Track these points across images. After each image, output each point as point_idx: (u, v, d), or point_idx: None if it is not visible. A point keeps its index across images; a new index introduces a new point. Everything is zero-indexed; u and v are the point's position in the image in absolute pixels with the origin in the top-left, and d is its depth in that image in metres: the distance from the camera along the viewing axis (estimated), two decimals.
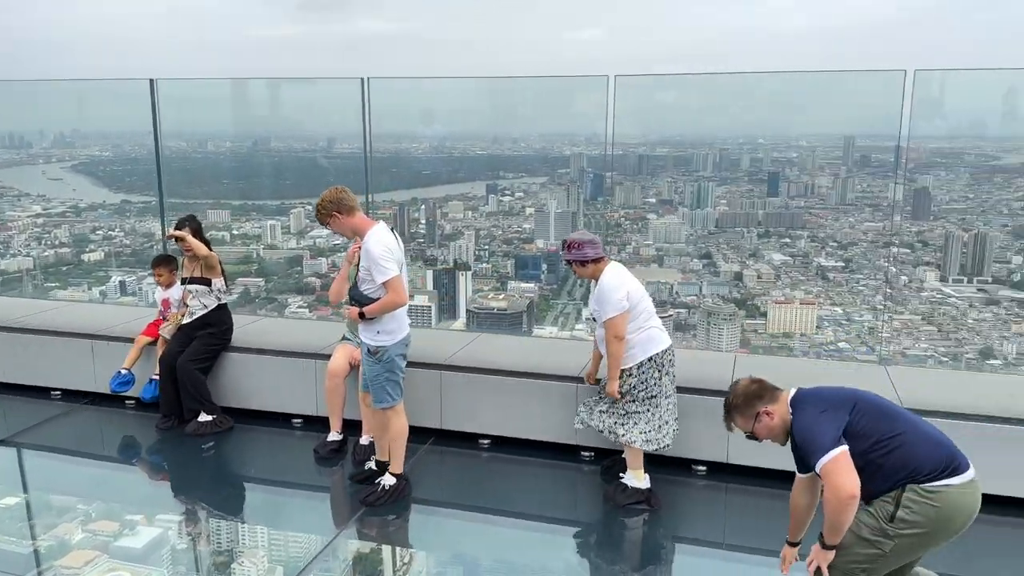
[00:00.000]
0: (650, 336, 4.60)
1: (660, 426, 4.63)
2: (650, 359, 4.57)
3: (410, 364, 5.50)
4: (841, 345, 9.62)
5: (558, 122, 8.65)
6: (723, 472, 5.06)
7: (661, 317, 10.66)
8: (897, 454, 2.99)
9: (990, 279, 9.42)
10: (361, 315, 4.41)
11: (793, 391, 3.26)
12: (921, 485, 2.96)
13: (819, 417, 3.07)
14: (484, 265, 10.47)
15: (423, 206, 10.09)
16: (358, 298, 4.43)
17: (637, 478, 4.69)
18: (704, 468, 5.11)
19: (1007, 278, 9.49)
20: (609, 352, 4.53)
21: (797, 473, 3.30)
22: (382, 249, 4.26)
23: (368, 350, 4.52)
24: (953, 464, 2.99)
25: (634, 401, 4.60)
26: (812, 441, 3.02)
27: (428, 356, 5.58)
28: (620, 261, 11.85)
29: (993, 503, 4.39)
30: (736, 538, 4.70)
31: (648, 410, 4.60)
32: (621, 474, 4.77)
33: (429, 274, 10.06)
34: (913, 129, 6.05)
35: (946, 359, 9.18)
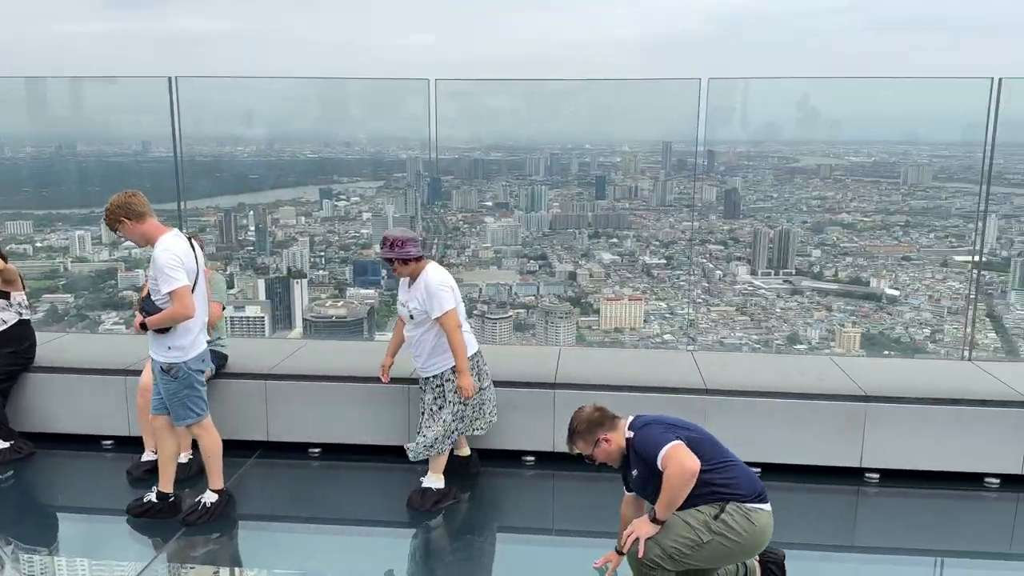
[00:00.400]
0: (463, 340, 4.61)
1: (463, 418, 4.69)
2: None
3: (232, 375, 5.32)
4: (666, 337, 10.23)
5: (390, 125, 8.62)
6: (551, 461, 5.23)
7: (502, 318, 10.87)
8: (725, 475, 3.37)
9: (794, 271, 10.38)
10: (143, 326, 4.18)
11: (631, 418, 3.56)
12: (741, 504, 3.33)
13: (661, 429, 3.42)
14: (320, 272, 10.25)
15: (251, 212, 9.72)
16: (149, 309, 4.19)
17: (438, 480, 4.71)
18: (532, 459, 5.27)
19: (808, 269, 10.48)
20: (455, 345, 4.50)
21: (625, 492, 3.66)
22: (169, 257, 4.06)
23: (161, 368, 4.28)
24: (763, 494, 3.42)
25: (442, 407, 4.62)
26: (654, 444, 3.33)
27: (251, 367, 5.38)
28: (461, 264, 11.86)
29: (777, 470, 4.88)
30: (564, 523, 4.89)
31: (456, 413, 4.64)
32: (421, 478, 4.75)
33: (261, 283, 9.70)
34: (710, 133, 6.57)
35: (758, 346, 10.00)
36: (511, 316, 10.47)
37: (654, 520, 3.35)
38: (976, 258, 6.39)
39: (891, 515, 4.86)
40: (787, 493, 4.87)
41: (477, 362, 4.73)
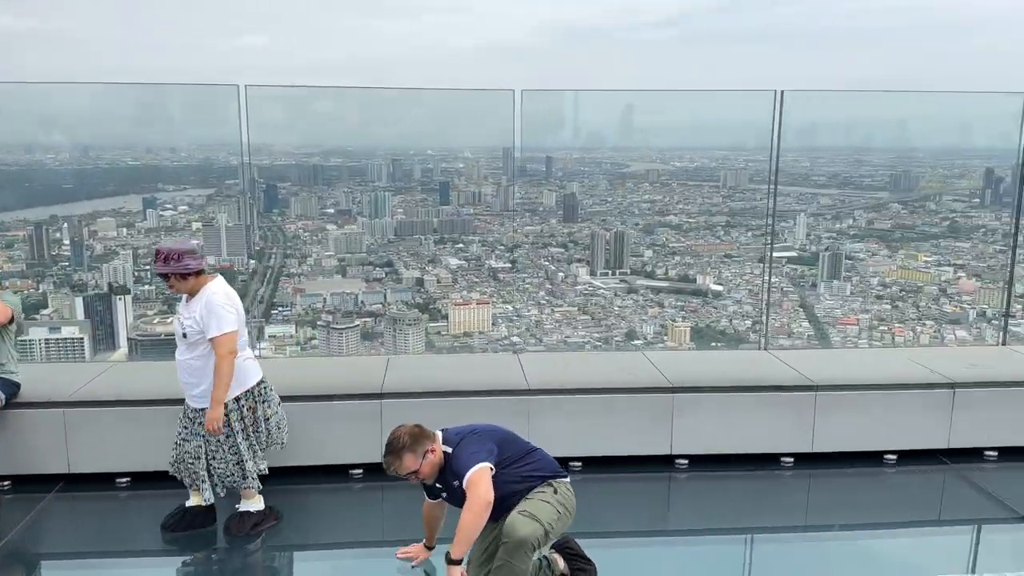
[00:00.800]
0: (248, 367, 4.39)
1: (261, 449, 4.53)
2: (248, 391, 4.38)
3: (25, 405, 4.90)
4: (514, 339, 10.43)
5: (214, 131, 8.26)
6: (380, 472, 5.16)
7: (349, 328, 10.67)
8: (537, 461, 3.74)
9: (629, 271, 10.87)
10: None
11: (439, 432, 3.73)
12: (556, 481, 3.70)
13: (474, 447, 3.63)
14: (146, 287, 9.67)
15: (65, 224, 9.01)
16: None
17: (255, 502, 4.54)
18: (360, 471, 5.20)
19: (642, 269, 11.02)
20: (221, 372, 4.14)
21: (427, 499, 3.93)
22: None
23: None
24: (563, 471, 3.80)
25: (229, 435, 4.37)
26: (465, 463, 3.55)
27: (49, 394, 4.98)
28: (303, 274, 11.49)
29: (596, 462, 5.11)
30: (396, 534, 4.85)
31: (248, 439, 4.44)
32: (237, 505, 4.57)
33: (78, 301, 9.02)
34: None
35: (600, 343, 10.40)
36: (358, 325, 10.32)
37: (452, 562, 3.55)
38: (769, 254, 6.96)
39: (700, 498, 5.20)
40: (605, 483, 5.11)
41: (263, 389, 4.49)
